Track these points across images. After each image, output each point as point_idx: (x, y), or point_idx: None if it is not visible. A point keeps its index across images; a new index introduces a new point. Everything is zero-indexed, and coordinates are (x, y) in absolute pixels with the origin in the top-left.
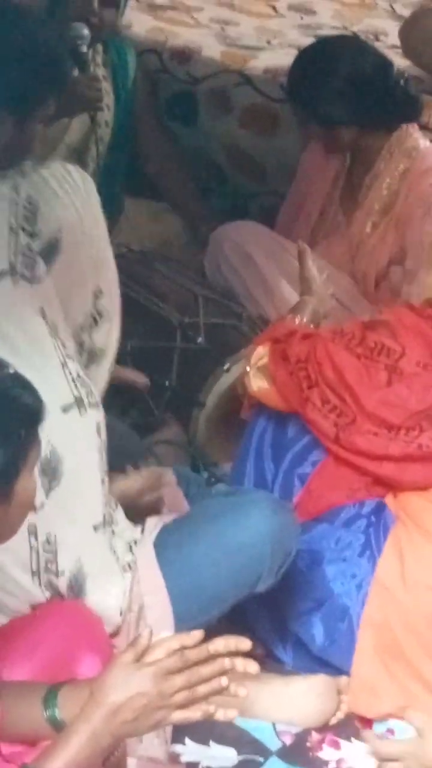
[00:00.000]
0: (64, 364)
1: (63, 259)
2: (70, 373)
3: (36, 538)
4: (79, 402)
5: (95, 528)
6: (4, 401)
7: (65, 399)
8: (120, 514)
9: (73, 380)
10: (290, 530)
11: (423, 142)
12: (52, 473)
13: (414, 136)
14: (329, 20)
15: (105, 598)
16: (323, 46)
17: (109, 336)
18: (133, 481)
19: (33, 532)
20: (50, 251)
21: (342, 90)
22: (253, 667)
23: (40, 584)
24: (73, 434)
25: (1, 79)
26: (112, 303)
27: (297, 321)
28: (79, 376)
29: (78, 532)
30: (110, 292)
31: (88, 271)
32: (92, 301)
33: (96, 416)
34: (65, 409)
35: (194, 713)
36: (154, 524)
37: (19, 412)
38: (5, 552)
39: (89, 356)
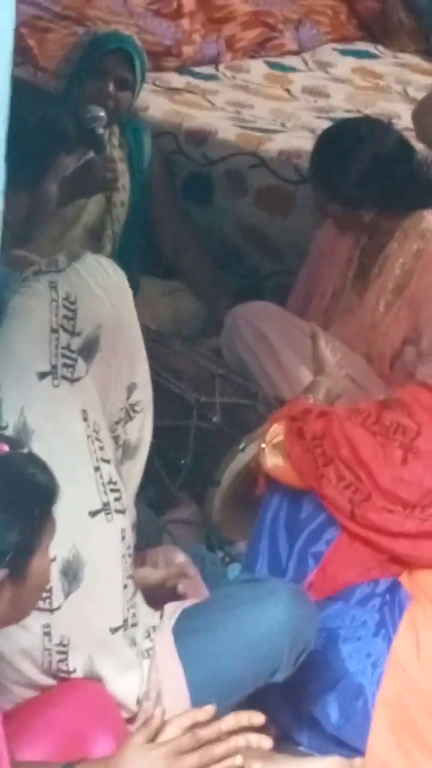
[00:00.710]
0: (97, 468)
1: (101, 357)
2: (101, 478)
3: (50, 640)
4: (106, 508)
5: (112, 631)
6: (19, 480)
7: (94, 504)
8: (140, 600)
9: (104, 485)
10: (309, 622)
11: None
12: (72, 576)
13: (428, 218)
14: (342, 103)
15: (123, 686)
16: (347, 127)
17: (142, 429)
18: (154, 573)
19: (48, 633)
20: (89, 349)
21: (366, 173)
22: (266, 742)
23: (50, 677)
24: (97, 540)
25: (12, 162)
26: (146, 395)
27: (311, 401)
28: (110, 481)
29: (93, 634)
30: (144, 384)
31: (124, 366)
32: (127, 396)
33: (122, 522)
34: (93, 514)
35: None
36: (173, 611)
37: (34, 492)
38: (16, 648)
39: (123, 451)
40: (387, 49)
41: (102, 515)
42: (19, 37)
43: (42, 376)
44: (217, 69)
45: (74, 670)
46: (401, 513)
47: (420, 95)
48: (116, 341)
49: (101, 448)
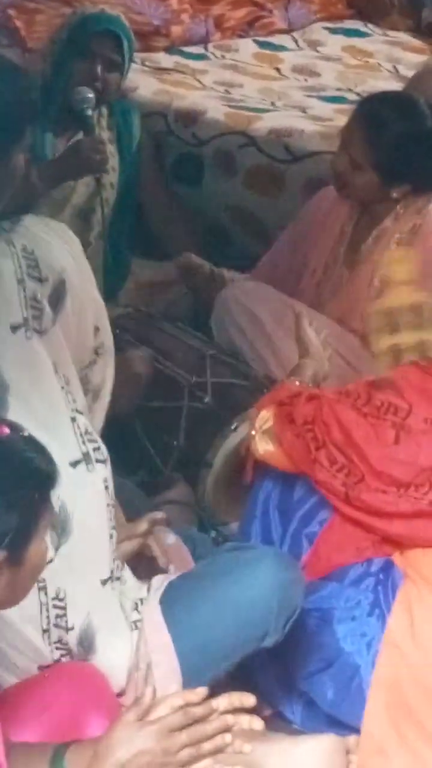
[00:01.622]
0: (73, 420)
1: (69, 302)
2: (79, 428)
3: (46, 594)
4: (87, 458)
5: (103, 582)
6: (18, 465)
7: (74, 455)
8: (127, 572)
9: (81, 435)
10: (296, 584)
11: None
12: (61, 529)
13: (424, 195)
14: (333, 82)
15: (113, 655)
16: (407, 101)
17: (106, 371)
18: (128, 545)
19: (43, 588)
20: (57, 295)
21: (418, 148)
22: (257, 723)
23: (50, 643)
24: (81, 490)
25: None
26: (108, 338)
27: (297, 383)
28: (87, 431)
29: (87, 587)
30: (105, 327)
31: (89, 309)
32: (93, 338)
33: (103, 472)
34: (74, 465)
35: None
36: (160, 582)
37: (33, 476)
38: (16, 609)
39: (93, 395)
40: (377, 27)
41: (83, 465)
42: (6, 19)
43: (15, 329)
44: (206, 48)
45: (72, 627)
46: (395, 493)
47: (410, 73)
48: (81, 284)
49: (74, 400)
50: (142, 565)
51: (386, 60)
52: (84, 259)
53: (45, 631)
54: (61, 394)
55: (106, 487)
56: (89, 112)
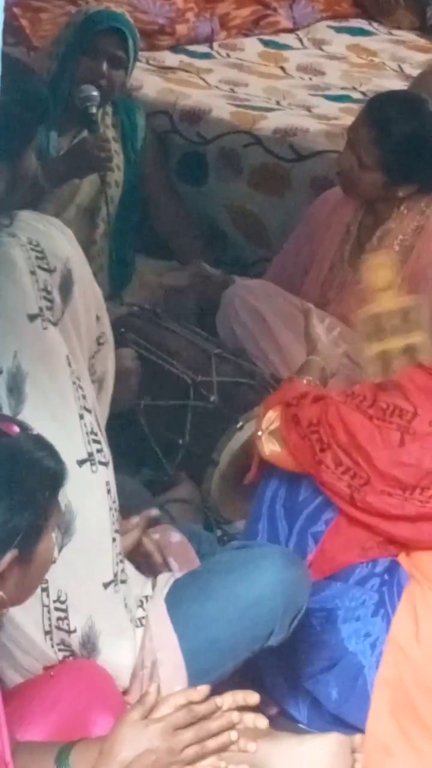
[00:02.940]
0: (81, 417)
1: (76, 291)
2: (85, 426)
3: (48, 596)
4: (91, 458)
5: (105, 585)
6: (27, 464)
7: (80, 453)
8: (130, 569)
9: (87, 434)
10: (302, 584)
11: None
12: (65, 528)
13: (429, 194)
14: (337, 81)
15: (117, 655)
16: (415, 100)
17: (108, 360)
18: (126, 539)
19: (45, 589)
20: (67, 284)
21: (429, 148)
22: (262, 721)
23: (52, 644)
24: (86, 489)
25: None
26: (107, 327)
27: (305, 381)
28: (92, 431)
29: (88, 590)
30: (104, 316)
31: (91, 298)
32: (96, 326)
33: (106, 474)
34: (80, 463)
35: None
36: (165, 580)
37: (42, 475)
38: (20, 609)
39: (98, 385)
40: (382, 26)
41: (87, 465)
42: (11, 17)
43: (32, 318)
44: (211, 47)
45: (75, 630)
46: (400, 496)
47: (415, 72)
48: (82, 272)
49: (84, 397)
50: (145, 561)
51: (391, 59)
52: (80, 249)
53: (47, 632)
54: (72, 389)
55: (108, 491)
56: (93, 110)
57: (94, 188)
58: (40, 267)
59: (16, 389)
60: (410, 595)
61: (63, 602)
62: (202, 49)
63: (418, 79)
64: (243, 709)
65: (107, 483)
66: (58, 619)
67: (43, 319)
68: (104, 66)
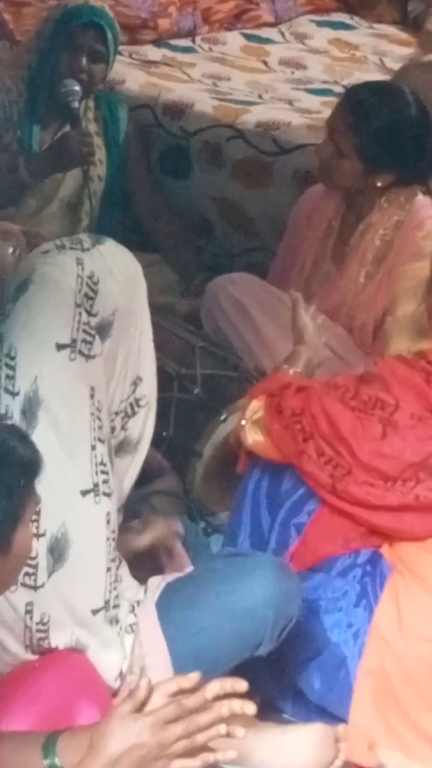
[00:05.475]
0: (93, 447)
1: (111, 342)
2: (96, 457)
3: (31, 618)
4: (96, 489)
5: (94, 612)
6: (1, 454)
7: (85, 484)
8: (125, 574)
9: (97, 465)
10: (293, 596)
11: (418, 196)
12: (58, 555)
13: (408, 189)
14: (319, 75)
15: (102, 662)
16: (393, 88)
17: (145, 424)
18: (140, 539)
19: (29, 611)
20: (103, 332)
21: (403, 135)
22: (249, 708)
23: (33, 653)
24: (85, 520)
25: None
26: (151, 390)
27: (291, 371)
28: (102, 462)
29: (73, 616)
30: (149, 378)
31: (131, 357)
32: (132, 390)
33: (109, 505)
34: (83, 494)
35: (194, 762)
36: (156, 584)
37: (17, 464)
38: (1, 622)
39: (124, 446)
40: (363, 19)
41: (91, 496)
42: None
43: (60, 347)
44: (193, 41)
45: (56, 647)
46: (382, 486)
47: (396, 66)
48: (127, 330)
49: (100, 428)
50: (144, 564)
51: (372, 53)
52: (143, 310)
53: (27, 647)
54: (89, 420)
55: (108, 521)
56: (75, 105)
57: (77, 182)
58: (83, 305)
59: (29, 413)
60: (393, 586)
61: (45, 624)
62: (185, 43)
63: (400, 73)
64: (230, 696)
65: (108, 514)
66: (39, 639)
67: (73, 350)
68: (84, 60)
